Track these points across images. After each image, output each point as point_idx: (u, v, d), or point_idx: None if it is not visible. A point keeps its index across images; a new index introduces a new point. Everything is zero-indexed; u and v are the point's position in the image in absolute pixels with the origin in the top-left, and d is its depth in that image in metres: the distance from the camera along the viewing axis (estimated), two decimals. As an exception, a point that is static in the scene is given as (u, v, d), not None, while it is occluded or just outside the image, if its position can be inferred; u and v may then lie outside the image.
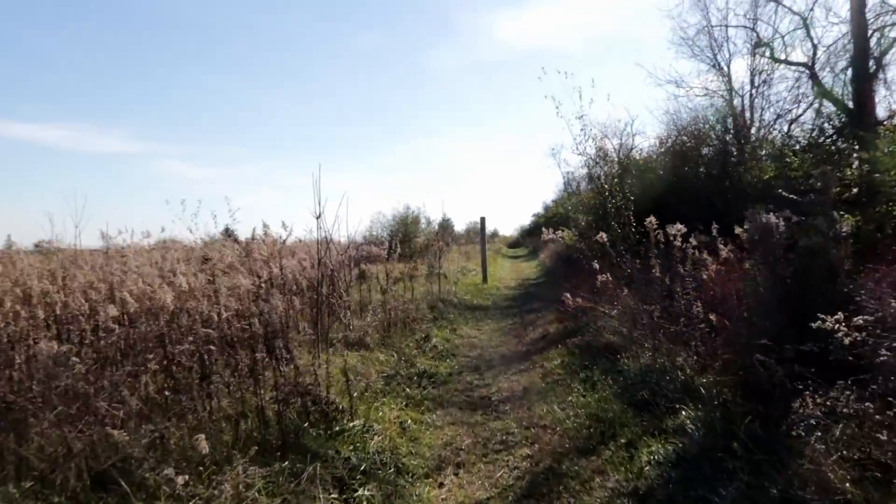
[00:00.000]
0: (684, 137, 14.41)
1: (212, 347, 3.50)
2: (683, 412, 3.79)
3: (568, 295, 5.91)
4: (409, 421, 4.32)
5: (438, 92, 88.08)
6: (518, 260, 28.22)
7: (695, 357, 4.32)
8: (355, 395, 4.48)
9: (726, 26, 15.52)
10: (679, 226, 5.04)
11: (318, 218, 5.25)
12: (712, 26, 15.77)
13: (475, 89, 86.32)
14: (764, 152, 12.83)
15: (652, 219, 5.34)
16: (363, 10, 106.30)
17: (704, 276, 4.62)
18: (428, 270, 11.97)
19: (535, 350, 6.83)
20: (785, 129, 14.13)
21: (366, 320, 6.85)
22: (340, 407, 3.91)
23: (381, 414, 4.22)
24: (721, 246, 4.70)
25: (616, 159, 8.56)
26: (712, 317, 4.40)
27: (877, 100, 12.54)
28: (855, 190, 11.10)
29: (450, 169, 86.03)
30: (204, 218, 7.79)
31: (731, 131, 13.83)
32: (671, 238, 4.99)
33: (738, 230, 4.74)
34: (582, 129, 8.52)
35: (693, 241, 4.92)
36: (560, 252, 16.96)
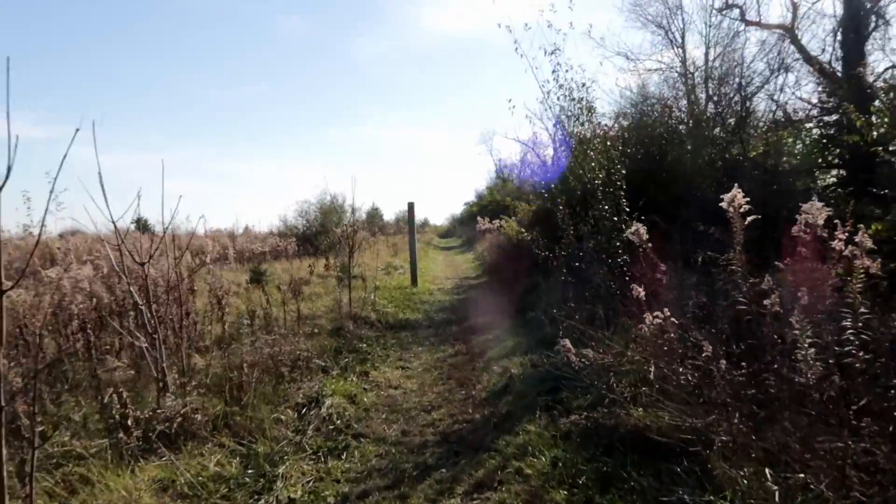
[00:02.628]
0: (650, 109, 12.18)
1: None
2: None
3: (567, 343, 3.17)
4: None
5: (366, 79, 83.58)
6: (452, 252, 25.52)
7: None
8: None
9: (686, -16, 13.37)
10: (818, 204, 2.43)
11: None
12: (669, -16, 13.64)
13: (403, 77, 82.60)
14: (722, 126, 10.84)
15: (738, 194, 2.69)
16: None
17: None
18: (338, 273, 8.98)
19: (496, 419, 4.06)
20: (763, 100, 12.17)
21: (204, 376, 3.80)
22: None
23: None
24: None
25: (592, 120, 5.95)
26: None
27: (870, 61, 10.70)
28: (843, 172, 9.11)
29: (379, 157, 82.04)
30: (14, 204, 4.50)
31: (706, 100, 11.79)
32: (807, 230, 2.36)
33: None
34: (554, 72, 5.82)
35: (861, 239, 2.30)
36: (503, 245, 14.38)
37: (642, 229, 2.99)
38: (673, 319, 2.53)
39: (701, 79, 13.24)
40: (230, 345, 5.39)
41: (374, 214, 34.16)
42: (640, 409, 3.28)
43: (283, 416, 3.86)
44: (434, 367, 5.72)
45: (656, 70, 15.17)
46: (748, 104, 12.15)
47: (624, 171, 5.90)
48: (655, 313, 2.57)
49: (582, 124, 5.86)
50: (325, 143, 77.91)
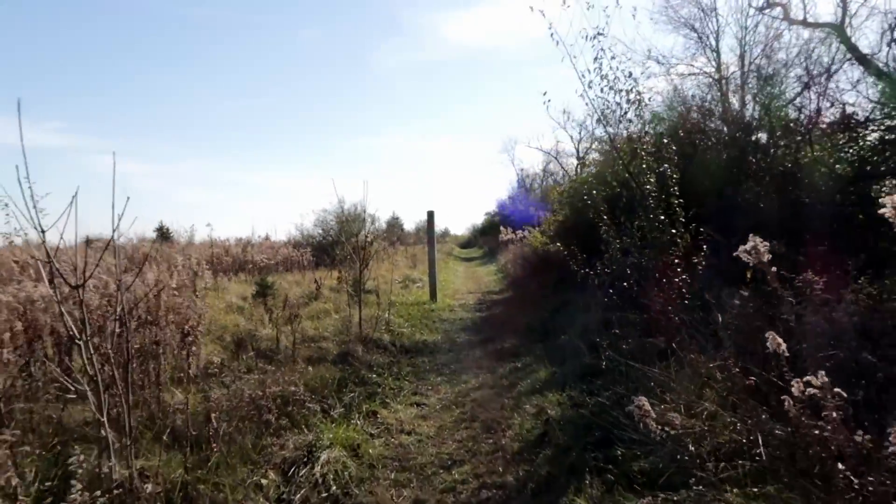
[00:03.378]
0: (687, 112, 11.24)
1: None
2: None
3: (644, 405, 2.30)
4: None
5: (383, 90, 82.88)
6: (473, 263, 24.65)
7: None
8: None
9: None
10: None
11: None
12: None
13: (421, 87, 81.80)
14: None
15: None
16: (304, 5, 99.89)
17: None
18: (350, 289, 8.21)
19: (534, 483, 3.20)
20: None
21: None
22: None
23: None
24: None
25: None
26: None
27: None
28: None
29: (398, 167, 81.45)
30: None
31: (741, 105, 10.83)
32: None
33: None
34: (596, 59, 4.99)
35: None
36: (528, 257, 13.48)
37: (762, 245, 2.11)
38: (839, 390, 1.66)
39: (736, 83, 12.29)
40: (218, 373, 4.64)
41: (394, 224, 33.49)
42: (736, 489, 2.40)
43: (263, 480, 3.06)
44: (455, 403, 4.87)
45: (689, 75, 14.24)
46: (817, 104, 11.09)
47: (677, 176, 5.03)
48: (807, 379, 1.71)
49: (629, 120, 5.01)
50: (345, 153, 77.63)
